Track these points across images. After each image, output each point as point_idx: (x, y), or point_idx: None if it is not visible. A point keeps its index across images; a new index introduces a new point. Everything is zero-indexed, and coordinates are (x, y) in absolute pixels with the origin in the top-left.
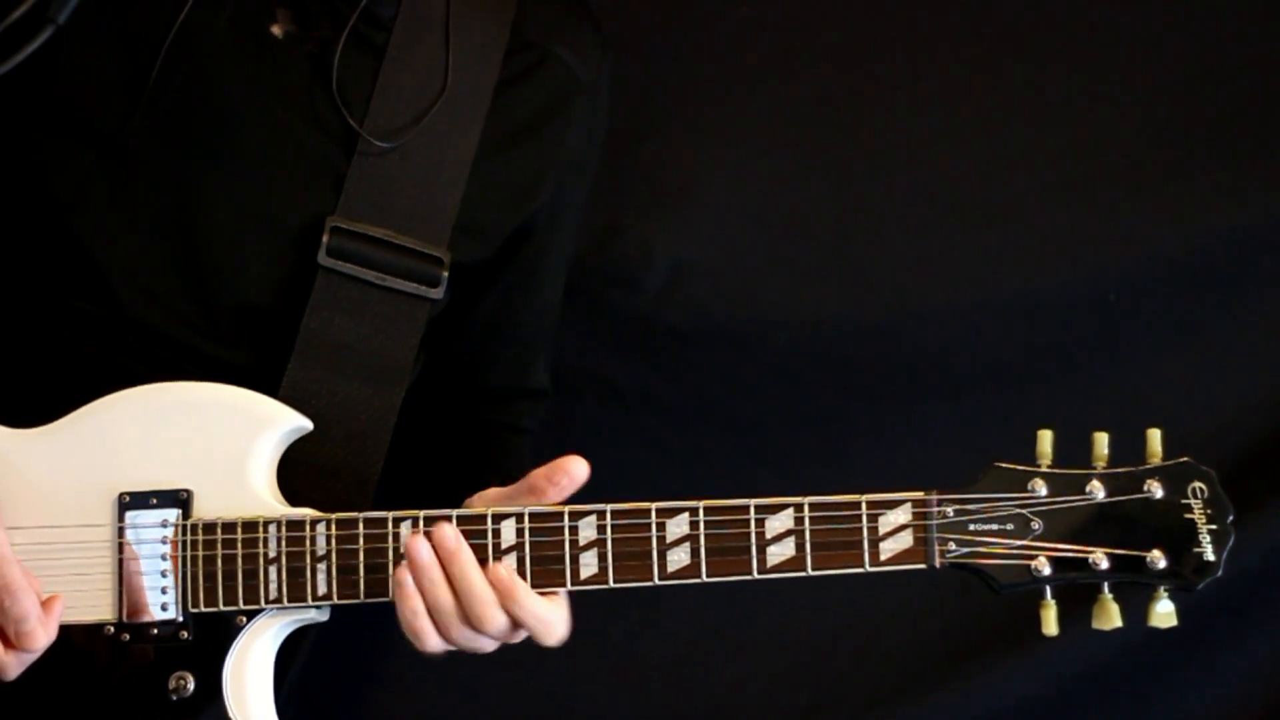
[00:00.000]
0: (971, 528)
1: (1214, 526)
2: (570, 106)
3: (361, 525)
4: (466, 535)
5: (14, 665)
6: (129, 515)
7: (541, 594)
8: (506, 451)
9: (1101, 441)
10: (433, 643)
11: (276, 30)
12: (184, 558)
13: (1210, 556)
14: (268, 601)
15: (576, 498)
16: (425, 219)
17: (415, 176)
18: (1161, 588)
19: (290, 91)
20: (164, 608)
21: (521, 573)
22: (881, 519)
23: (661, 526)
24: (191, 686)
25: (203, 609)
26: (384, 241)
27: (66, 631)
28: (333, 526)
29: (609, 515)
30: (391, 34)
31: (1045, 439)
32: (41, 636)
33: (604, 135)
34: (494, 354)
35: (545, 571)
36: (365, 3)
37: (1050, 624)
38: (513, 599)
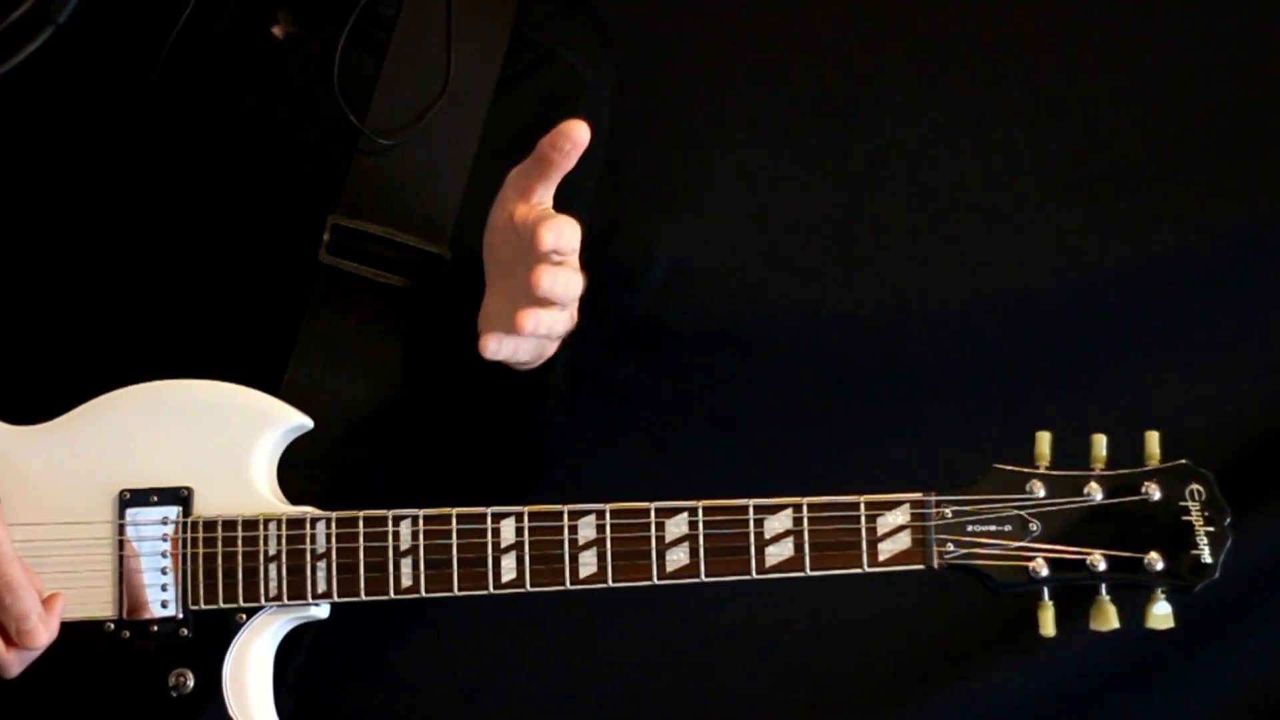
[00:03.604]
0: (970, 529)
1: (1211, 528)
2: (574, 106)
3: (361, 523)
4: (465, 532)
5: (15, 663)
6: (129, 512)
7: None
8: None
9: (1100, 443)
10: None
11: (278, 31)
12: (184, 555)
13: (1207, 558)
14: (268, 599)
15: (575, 498)
16: (426, 217)
17: (416, 174)
18: (1159, 589)
19: (292, 91)
20: (164, 605)
21: (520, 571)
22: (880, 520)
23: (661, 526)
24: (191, 684)
25: (203, 606)
26: (385, 239)
27: (67, 629)
28: (333, 525)
29: (608, 515)
30: (393, 32)
31: (1043, 440)
32: (43, 634)
33: (609, 135)
34: None
35: (544, 570)
36: (366, 1)
37: (1048, 625)
38: None
